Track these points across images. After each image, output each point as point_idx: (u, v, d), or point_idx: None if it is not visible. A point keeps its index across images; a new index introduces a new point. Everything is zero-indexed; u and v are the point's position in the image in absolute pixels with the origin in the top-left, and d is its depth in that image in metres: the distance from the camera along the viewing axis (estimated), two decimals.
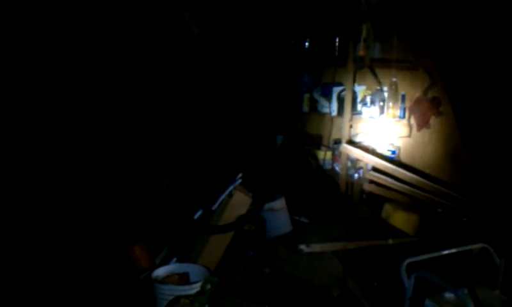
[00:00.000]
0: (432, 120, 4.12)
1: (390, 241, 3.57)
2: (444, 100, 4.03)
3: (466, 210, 3.65)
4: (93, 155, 4.08)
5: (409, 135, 4.31)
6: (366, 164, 4.42)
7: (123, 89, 4.32)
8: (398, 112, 4.28)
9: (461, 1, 3.82)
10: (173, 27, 4.66)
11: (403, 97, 4.28)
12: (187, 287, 2.68)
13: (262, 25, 5.21)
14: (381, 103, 4.36)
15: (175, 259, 3.18)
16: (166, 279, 2.82)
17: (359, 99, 4.60)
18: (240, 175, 3.51)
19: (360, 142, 4.61)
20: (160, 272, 2.91)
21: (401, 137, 4.37)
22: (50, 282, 3.00)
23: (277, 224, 3.75)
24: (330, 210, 4.27)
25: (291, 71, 5.34)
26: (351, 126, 4.64)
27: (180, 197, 3.96)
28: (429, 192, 3.91)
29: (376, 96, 4.40)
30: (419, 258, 2.32)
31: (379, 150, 4.45)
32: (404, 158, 4.36)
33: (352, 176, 4.55)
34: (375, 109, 4.38)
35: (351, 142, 4.61)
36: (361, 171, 4.47)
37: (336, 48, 4.75)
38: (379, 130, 4.49)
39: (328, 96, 4.87)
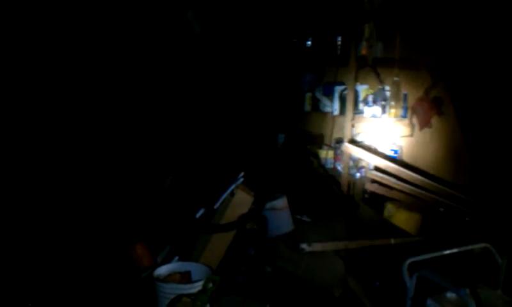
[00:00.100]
0: (434, 120, 4.11)
1: (392, 240, 3.56)
2: (446, 100, 4.03)
3: (468, 209, 3.65)
4: (95, 154, 4.09)
5: (411, 135, 4.30)
6: (368, 164, 4.42)
7: (125, 88, 4.32)
8: (400, 111, 4.28)
9: (463, 1, 3.81)
10: (175, 26, 4.66)
11: (405, 97, 4.28)
12: (188, 286, 2.68)
13: (264, 24, 5.21)
14: (383, 103, 4.35)
15: (176, 257, 3.18)
16: (167, 278, 2.82)
17: (361, 98, 4.60)
18: (242, 174, 3.51)
19: (361, 142, 4.61)
20: (162, 270, 2.92)
21: (403, 136, 4.37)
22: (52, 281, 3.01)
23: (279, 223, 3.75)
24: (332, 209, 4.27)
25: (293, 70, 5.34)
26: (352, 126, 4.63)
27: (182, 196, 3.96)
28: (431, 192, 3.90)
29: (378, 96, 4.39)
30: (421, 258, 2.32)
31: (381, 149, 4.45)
32: (406, 158, 4.36)
33: (354, 175, 4.55)
34: (377, 108, 4.37)
35: (352, 141, 4.60)
36: (363, 170, 4.46)
37: (339, 47, 4.74)
38: (381, 129, 4.49)
39: (329, 95, 4.87)
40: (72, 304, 2.87)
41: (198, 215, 3.42)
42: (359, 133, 4.68)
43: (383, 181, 4.18)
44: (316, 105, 5.05)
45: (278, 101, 5.39)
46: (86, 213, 3.70)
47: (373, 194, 4.34)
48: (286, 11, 5.17)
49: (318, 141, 5.16)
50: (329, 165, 4.80)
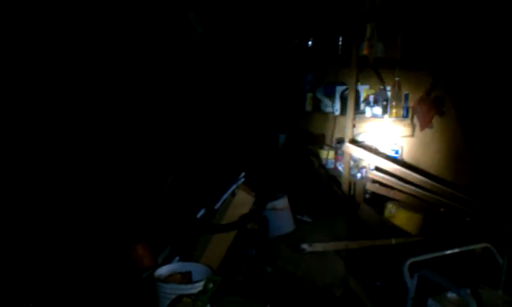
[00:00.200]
0: (435, 120, 4.11)
1: (393, 241, 3.56)
2: (447, 100, 4.02)
3: (469, 209, 3.64)
4: (96, 154, 4.09)
5: (412, 135, 4.30)
6: (369, 164, 4.42)
7: (126, 88, 4.32)
8: (401, 111, 4.27)
9: (464, 2, 3.81)
10: (176, 27, 4.67)
11: (406, 97, 4.27)
12: (189, 286, 2.68)
13: (266, 25, 5.21)
14: (384, 103, 4.35)
15: (177, 258, 3.19)
16: (168, 278, 2.82)
17: (362, 98, 4.60)
18: (243, 174, 3.51)
19: (362, 142, 4.61)
20: (163, 271, 2.92)
21: (404, 136, 4.36)
22: (52, 281, 3.01)
23: (279, 224, 3.75)
24: (333, 210, 4.27)
25: (294, 70, 5.34)
26: (353, 126, 4.63)
27: (183, 196, 3.96)
28: (432, 192, 3.90)
29: (379, 96, 4.39)
30: (422, 258, 2.32)
31: (382, 150, 4.45)
32: (407, 158, 4.35)
33: (355, 175, 4.54)
34: (378, 108, 4.37)
35: (353, 141, 4.60)
36: (364, 170, 4.46)
37: (340, 47, 4.74)
38: (382, 129, 4.49)
39: (331, 95, 4.87)
40: (73, 305, 2.87)
41: (198, 216, 3.42)
42: (360, 134, 4.68)
43: (384, 182, 4.18)
44: (317, 105, 5.05)
45: (279, 101, 5.39)
46: (86, 214, 3.70)
47: (374, 194, 4.34)
48: (287, 12, 5.18)
49: (319, 141, 5.15)
50: (330, 166, 4.79)
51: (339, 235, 3.70)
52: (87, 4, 4.06)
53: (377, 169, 4.28)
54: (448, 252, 2.44)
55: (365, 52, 4.38)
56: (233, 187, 3.38)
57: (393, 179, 4.13)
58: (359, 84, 4.62)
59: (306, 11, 5.07)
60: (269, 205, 3.71)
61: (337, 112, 4.79)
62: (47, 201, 3.67)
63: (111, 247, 3.39)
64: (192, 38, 4.78)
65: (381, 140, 4.50)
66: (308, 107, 5.14)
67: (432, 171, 4.15)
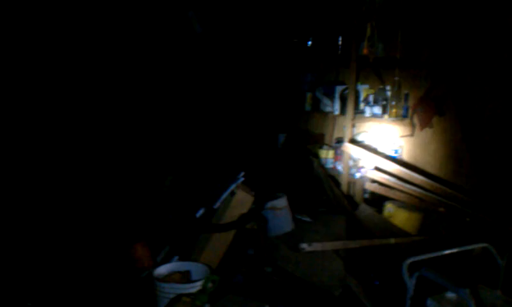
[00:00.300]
0: (435, 120, 4.11)
1: (392, 240, 3.56)
2: (447, 100, 4.02)
3: (468, 209, 3.64)
4: (96, 153, 4.09)
5: (412, 135, 4.30)
6: (368, 163, 4.41)
7: (126, 87, 4.32)
8: (401, 111, 4.27)
9: (465, 2, 3.81)
10: (176, 26, 4.66)
11: (406, 96, 4.27)
12: (188, 285, 2.68)
13: (265, 24, 5.21)
14: (384, 103, 4.35)
15: (176, 257, 3.19)
16: (167, 278, 2.83)
17: (362, 98, 4.59)
18: (242, 174, 3.51)
19: (362, 142, 4.61)
20: (162, 270, 2.92)
21: (404, 136, 4.36)
22: (51, 280, 3.01)
23: (279, 223, 3.75)
24: (332, 209, 4.27)
25: (294, 69, 5.34)
26: (353, 125, 4.63)
27: (182, 196, 3.96)
28: (432, 192, 3.90)
29: (379, 95, 4.39)
30: (421, 258, 2.31)
31: (382, 149, 4.45)
32: (406, 158, 4.35)
33: (354, 175, 4.54)
34: (378, 108, 4.37)
35: (353, 141, 4.60)
36: (363, 170, 4.46)
37: (339, 47, 4.74)
38: (382, 129, 4.49)
39: (330, 95, 4.86)
40: (72, 304, 2.87)
41: (198, 215, 3.42)
42: (359, 133, 4.68)
43: (383, 181, 4.18)
44: (317, 105, 5.05)
45: (278, 101, 5.39)
46: (86, 213, 3.70)
47: (373, 194, 4.34)
48: (287, 11, 5.17)
49: (318, 140, 5.15)
50: (330, 165, 4.79)
51: (338, 235, 3.70)
52: (86, 4, 4.06)
53: (377, 168, 4.28)
54: (448, 252, 2.43)
55: (365, 51, 4.37)
56: (233, 186, 3.38)
57: (392, 179, 4.13)
58: (359, 83, 4.61)
59: (305, 11, 5.07)
60: (269, 205, 3.71)
61: (337, 112, 4.78)
62: (46, 200, 3.67)
63: (110, 246, 3.39)
64: (191, 37, 4.78)
65: (380, 140, 4.50)
66: (308, 107, 5.13)
67: (431, 170, 4.15)
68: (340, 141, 4.79)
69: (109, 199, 3.84)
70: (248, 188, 3.47)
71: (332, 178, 4.66)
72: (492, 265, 2.44)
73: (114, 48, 4.25)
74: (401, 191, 4.07)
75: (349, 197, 4.55)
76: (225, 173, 3.69)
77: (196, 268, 2.93)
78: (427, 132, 4.17)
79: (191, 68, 4.79)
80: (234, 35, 5.04)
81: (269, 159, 4.88)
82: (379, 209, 4.11)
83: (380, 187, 4.21)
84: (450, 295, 2.27)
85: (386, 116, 4.32)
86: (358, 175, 4.50)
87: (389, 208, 3.99)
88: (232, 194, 3.35)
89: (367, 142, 4.58)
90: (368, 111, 4.45)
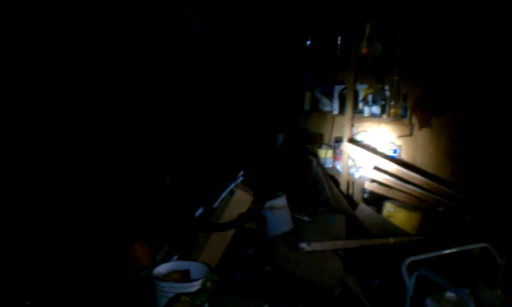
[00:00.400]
0: (434, 119, 4.11)
1: (391, 240, 3.56)
2: (446, 100, 4.02)
3: (467, 209, 3.65)
4: (95, 153, 4.08)
5: (411, 135, 4.30)
6: (367, 163, 4.41)
7: (125, 87, 4.32)
8: (399, 111, 4.27)
9: (465, 1, 3.81)
10: (175, 25, 4.66)
11: (405, 96, 4.27)
12: (187, 285, 2.68)
13: (264, 23, 5.21)
14: (383, 102, 4.35)
15: (175, 256, 3.18)
16: (166, 277, 2.82)
17: (360, 98, 4.59)
18: (241, 173, 3.51)
19: (361, 141, 4.61)
20: (161, 269, 2.91)
21: (402, 136, 4.36)
22: (50, 279, 3.00)
23: (278, 222, 3.74)
24: (331, 209, 4.27)
25: (293, 69, 5.34)
26: (352, 125, 4.63)
27: (181, 195, 3.96)
28: (431, 191, 3.90)
29: (378, 95, 4.39)
30: (420, 257, 2.31)
31: (381, 149, 4.45)
32: (405, 157, 4.35)
33: (353, 174, 4.54)
34: (377, 107, 4.37)
35: (352, 140, 4.60)
36: (362, 169, 4.46)
37: (338, 46, 4.74)
38: (381, 129, 4.49)
39: (329, 94, 4.86)
40: (71, 303, 2.86)
41: (197, 214, 3.42)
42: (358, 133, 4.68)
43: (382, 181, 4.18)
44: (315, 105, 5.04)
45: (277, 100, 5.39)
46: (85, 212, 3.70)
47: (372, 194, 4.34)
48: (286, 11, 5.17)
49: (317, 140, 5.16)
50: (329, 165, 4.79)
51: (337, 234, 3.70)
52: (86, 4, 4.05)
53: (376, 168, 4.28)
54: (447, 251, 2.44)
55: (364, 51, 4.37)
56: (232, 185, 3.38)
57: (391, 178, 4.14)
58: (357, 83, 4.61)
59: (305, 10, 5.07)
60: (268, 204, 3.70)
61: (336, 112, 4.78)
62: (45, 200, 3.66)
63: (109, 245, 3.38)
64: (191, 36, 4.77)
65: (379, 139, 4.50)
66: (307, 106, 5.13)
67: (430, 170, 4.15)
68: (339, 140, 4.79)
69: (108, 198, 3.84)
70: (247, 188, 3.47)
71: (331, 177, 4.66)
72: (491, 265, 2.44)
73: (113, 48, 4.25)
74: (400, 191, 4.07)
75: (348, 197, 4.55)
76: (224, 172, 3.68)
77: (195, 268, 2.93)
78: (426, 131, 4.18)
79: (190, 68, 4.78)
80: (233, 35, 5.04)
81: (268, 159, 4.87)
82: (379, 209, 4.11)
83: (379, 186, 4.21)
84: (450, 294, 2.27)
85: (385, 116, 4.32)
86: (357, 175, 4.50)
87: (388, 207, 3.99)
88: (231, 193, 3.35)
89: (365, 142, 4.58)
90: (367, 111, 4.45)
